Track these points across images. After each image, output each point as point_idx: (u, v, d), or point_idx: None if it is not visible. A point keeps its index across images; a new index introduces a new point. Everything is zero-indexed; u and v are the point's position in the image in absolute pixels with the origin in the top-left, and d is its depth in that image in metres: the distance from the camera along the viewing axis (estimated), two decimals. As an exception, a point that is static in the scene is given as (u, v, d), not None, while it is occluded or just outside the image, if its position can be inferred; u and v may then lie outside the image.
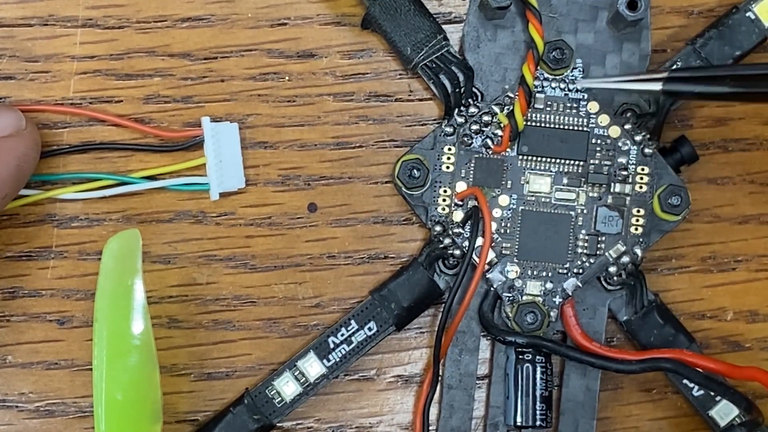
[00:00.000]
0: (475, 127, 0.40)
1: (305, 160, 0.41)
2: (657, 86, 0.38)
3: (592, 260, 0.40)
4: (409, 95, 0.42)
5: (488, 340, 0.41)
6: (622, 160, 0.40)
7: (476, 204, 0.40)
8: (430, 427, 0.40)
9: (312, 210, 0.41)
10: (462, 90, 0.40)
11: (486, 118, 0.40)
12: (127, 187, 0.40)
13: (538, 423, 0.40)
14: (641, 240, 0.40)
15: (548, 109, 0.40)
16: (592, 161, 0.40)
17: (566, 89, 0.40)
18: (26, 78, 0.41)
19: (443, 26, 0.41)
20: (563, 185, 0.40)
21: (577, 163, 0.40)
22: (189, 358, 0.41)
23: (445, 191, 0.40)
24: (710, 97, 0.38)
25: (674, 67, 0.40)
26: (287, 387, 0.40)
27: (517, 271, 0.40)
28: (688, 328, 0.41)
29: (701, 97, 0.38)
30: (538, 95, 0.40)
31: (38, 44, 0.41)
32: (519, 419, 0.40)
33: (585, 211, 0.40)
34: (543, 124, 0.40)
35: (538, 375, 0.40)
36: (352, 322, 0.40)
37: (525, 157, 0.40)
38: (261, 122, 0.41)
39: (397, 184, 0.40)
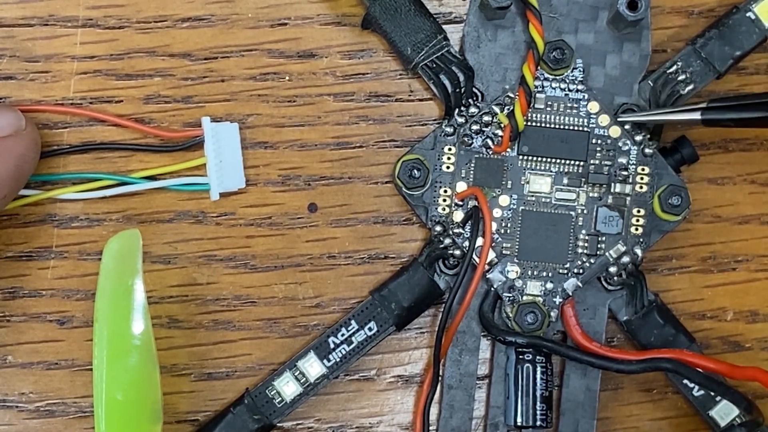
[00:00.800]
0: (475, 127, 0.40)
1: (305, 160, 0.41)
2: (696, 116, 0.39)
3: (592, 260, 0.40)
4: (410, 95, 0.42)
5: (488, 340, 0.41)
6: (623, 160, 0.40)
7: (476, 204, 0.40)
8: (431, 427, 0.40)
9: (312, 210, 0.41)
10: (462, 90, 0.40)
11: (486, 118, 0.40)
12: (127, 187, 0.40)
13: (538, 423, 0.40)
14: (641, 240, 0.40)
15: (548, 109, 0.40)
16: (592, 161, 0.40)
17: (566, 89, 0.40)
18: (26, 78, 0.41)
19: (443, 26, 0.41)
20: (563, 185, 0.40)
21: (577, 163, 0.40)
22: (189, 358, 0.41)
23: (445, 191, 0.40)
24: (749, 123, 0.38)
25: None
26: (287, 387, 0.40)
27: (517, 271, 0.40)
28: (688, 328, 0.41)
29: (740, 124, 0.39)
30: (538, 95, 0.40)
31: (38, 44, 0.41)
32: (519, 419, 0.40)
33: (585, 211, 0.40)
34: (543, 124, 0.40)
35: (538, 375, 0.40)
36: (353, 322, 0.40)
37: (525, 157, 0.40)
38: (261, 122, 0.41)
39: (397, 184, 0.40)
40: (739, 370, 0.39)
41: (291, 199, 0.41)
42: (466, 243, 0.40)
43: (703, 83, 0.40)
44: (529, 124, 0.40)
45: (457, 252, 0.40)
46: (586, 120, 0.40)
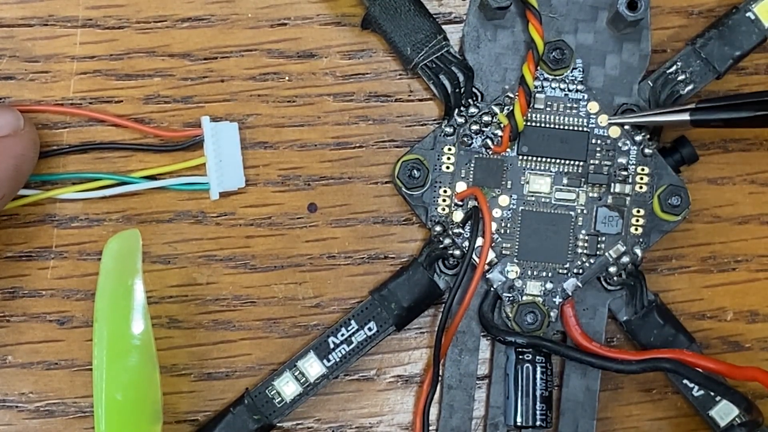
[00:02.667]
0: (475, 127, 0.40)
1: (305, 160, 0.41)
2: (685, 116, 0.39)
3: (592, 260, 0.40)
4: (409, 95, 0.42)
5: (488, 340, 0.41)
6: (622, 160, 0.40)
7: (476, 204, 0.40)
8: (430, 427, 0.40)
9: (312, 210, 0.41)
10: (462, 90, 0.40)
11: (486, 118, 0.40)
12: (127, 187, 0.40)
13: (538, 423, 0.40)
14: (641, 240, 0.40)
15: (548, 109, 0.40)
16: (592, 161, 0.40)
17: (566, 89, 0.40)
18: (26, 78, 0.41)
19: (443, 26, 0.41)
20: (563, 185, 0.40)
21: (577, 163, 0.40)
22: (189, 358, 0.41)
23: (445, 191, 0.40)
24: (737, 123, 0.38)
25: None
26: (287, 387, 0.40)
27: (517, 271, 0.40)
28: (688, 328, 0.41)
29: (729, 124, 0.39)
30: (538, 95, 0.40)
31: (38, 44, 0.41)
32: (519, 419, 0.40)
33: (585, 212, 0.40)
34: (543, 124, 0.40)
35: (538, 375, 0.40)
36: (352, 322, 0.40)
37: (525, 158, 0.40)
38: (261, 122, 0.41)
39: (397, 184, 0.40)
40: (739, 370, 0.39)
41: (291, 199, 0.41)
42: (466, 243, 0.40)
43: (703, 83, 0.40)
44: (528, 124, 0.40)
45: (457, 252, 0.40)
46: (585, 120, 0.40)
